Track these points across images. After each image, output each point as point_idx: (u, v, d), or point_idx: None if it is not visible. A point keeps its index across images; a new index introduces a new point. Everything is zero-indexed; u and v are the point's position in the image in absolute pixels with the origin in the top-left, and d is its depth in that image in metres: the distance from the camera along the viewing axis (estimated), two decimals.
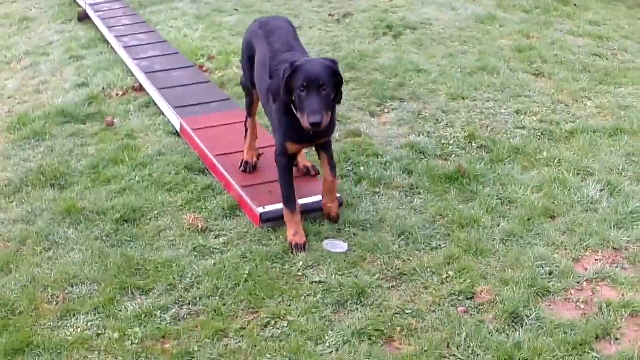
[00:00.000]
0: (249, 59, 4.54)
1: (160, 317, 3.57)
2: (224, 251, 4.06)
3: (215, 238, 4.19)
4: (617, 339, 3.35)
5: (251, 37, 4.50)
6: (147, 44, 7.08)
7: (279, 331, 3.44)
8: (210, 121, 5.38)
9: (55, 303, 3.70)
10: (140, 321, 3.54)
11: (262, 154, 4.84)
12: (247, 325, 3.49)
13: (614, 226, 4.19)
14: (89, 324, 3.53)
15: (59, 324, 3.55)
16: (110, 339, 3.42)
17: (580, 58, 6.82)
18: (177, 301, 3.67)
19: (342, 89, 3.93)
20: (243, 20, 8.22)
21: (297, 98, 3.80)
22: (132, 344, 3.39)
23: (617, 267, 3.86)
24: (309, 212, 4.31)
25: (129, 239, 4.22)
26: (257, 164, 4.75)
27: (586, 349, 3.26)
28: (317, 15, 8.53)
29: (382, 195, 4.59)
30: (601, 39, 7.48)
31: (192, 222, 4.31)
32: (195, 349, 3.35)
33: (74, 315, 3.59)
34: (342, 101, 4.10)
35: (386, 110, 5.82)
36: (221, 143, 5.05)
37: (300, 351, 3.31)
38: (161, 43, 7.17)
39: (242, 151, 4.83)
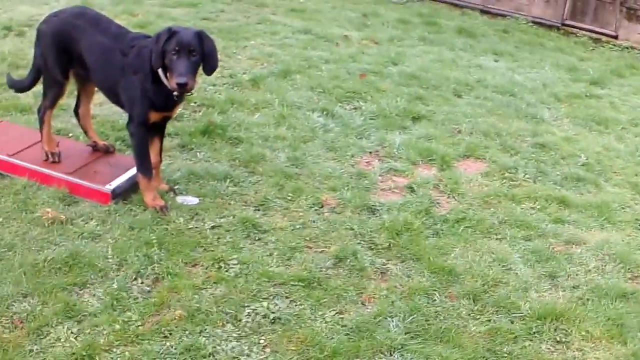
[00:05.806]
0: (61, 51, 4.58)
1: (132, 297, 3.73)
2: (108, 230, 4.21)
3: (86, 223, 4.27)
4: (439, 204, 4.86)
5: (67, 29, 4.56)
6: None
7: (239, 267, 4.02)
8: None
9: None
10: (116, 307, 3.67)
11: (59, 142, 4.93)
12: (209, 272, 3.94)
13: (357, 137, 5.64)
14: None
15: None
16: None
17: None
18: (133, 276, 3.85)
19: (215, 57, 4.37)
20: None
21: (169, 61, 4.19)
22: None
23: (386, 162, 5.32)
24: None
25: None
26: (60, 153, 4.85)
27: (424, 215, 4.65)
28: None
29: (166, 157, 5.15)
30: None
31: (51, 216, 4.28)
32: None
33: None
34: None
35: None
36: None
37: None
38: None
39: (32, 145, 4.86)
